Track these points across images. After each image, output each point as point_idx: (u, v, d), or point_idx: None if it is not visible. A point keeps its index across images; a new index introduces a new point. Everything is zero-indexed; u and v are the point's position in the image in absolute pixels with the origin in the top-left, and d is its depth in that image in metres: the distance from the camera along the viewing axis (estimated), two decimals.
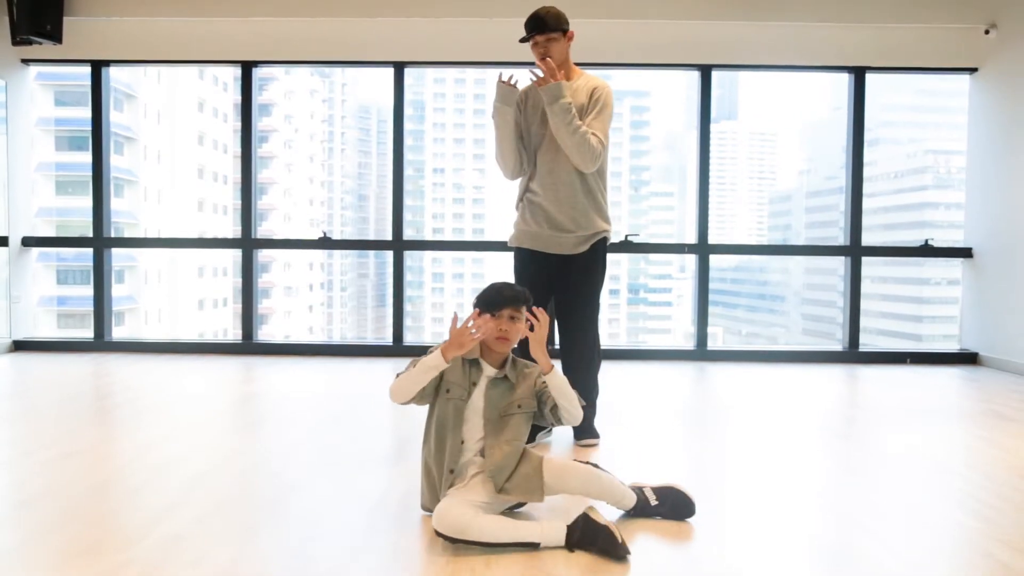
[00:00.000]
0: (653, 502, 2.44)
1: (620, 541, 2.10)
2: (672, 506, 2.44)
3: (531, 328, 2.38)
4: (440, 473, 2.34)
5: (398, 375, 2.36)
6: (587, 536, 2.13)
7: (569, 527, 2.17)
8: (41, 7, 5.62)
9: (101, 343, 6.12)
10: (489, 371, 2.40)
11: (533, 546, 2.14)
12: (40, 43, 5.72)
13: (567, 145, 3.21)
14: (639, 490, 2.47)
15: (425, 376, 2.31)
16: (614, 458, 3.18)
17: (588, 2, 5.68)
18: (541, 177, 3.35)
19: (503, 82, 3.31)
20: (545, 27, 3.25)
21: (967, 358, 5.97)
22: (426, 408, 2.46)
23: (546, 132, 3.33)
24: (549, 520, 2.22)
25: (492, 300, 2.38)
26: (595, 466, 2.40)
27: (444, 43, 5.93)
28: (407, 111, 6.16)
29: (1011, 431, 3.72)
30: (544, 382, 2.39)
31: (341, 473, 2.88)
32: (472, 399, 2.37)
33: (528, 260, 3.41)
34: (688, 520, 2.44)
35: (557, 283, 3.37)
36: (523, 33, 3.33)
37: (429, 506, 2.38)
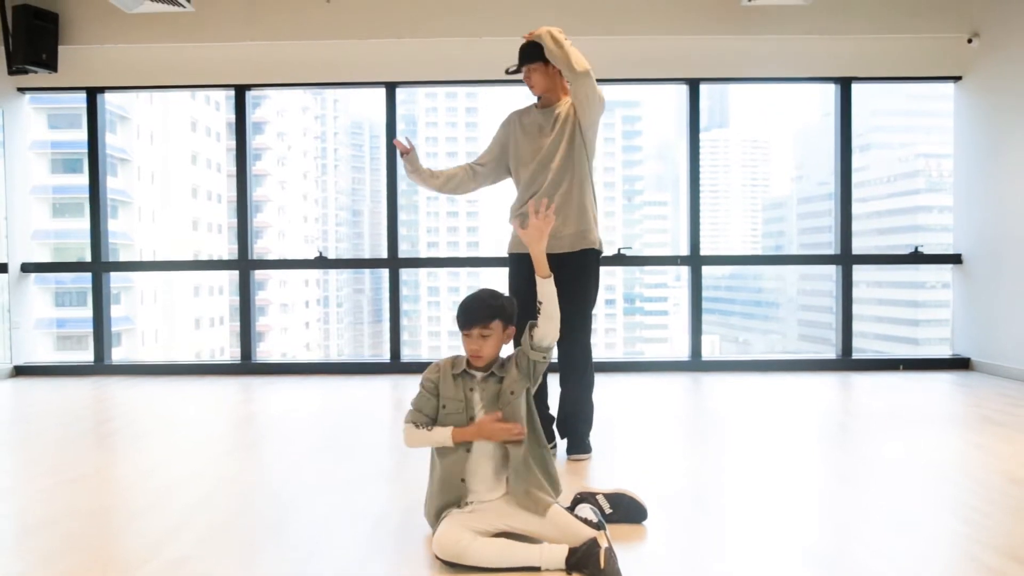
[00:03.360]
0: (607, 510, 2.53)
1: (602, 567, 2.10)
2: (625, 512, 2.56)
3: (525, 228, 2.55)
4: (438, 486, 2.43)
5: (411, 423, 2.46)
6: (583, 559, 2.15)
7: (572, 549, 2.18)
8: (37, 37, 5.69)
9: (101, 366, 6.16)
10: (478, 375, 2.49)
11: (534, 570, 2.18)
12: (36, 72, 5.80)
13: (560, 57, 3.31)
14: (592, 496, 2.57)
15: (435, 443, 2.45)
16: (611, 471, 3.23)
17: (579, 20, 5.76)
18: (546, 190, 3.39)
19: (401, 149, 3.48)
20: (526, 58, 3.44)
21: (959, 363, 6.03)
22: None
23: (544, 146, 3.42)
24: (549, 544, 2.24)
25: (460, 321, 2.46)
26: (598, 521, 2.36)
27: (435, 63, 6.01)
28: (399, 126, 6.22)
29: (1001, 436, 3.78)
30: (519, 353, 2.49)
31: (341, 491, 2.92)
32: (473, 409, 2.45)
33: (521, 263, 3.46)
34: (643, 523, 2.55)
35: None
36: (508, 52, 3.51)
37: (428, 516, 2.46)
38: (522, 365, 2.47)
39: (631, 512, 2.56)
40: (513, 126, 3.57)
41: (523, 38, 3.45)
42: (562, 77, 3.48)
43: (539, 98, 3.57)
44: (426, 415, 2.47)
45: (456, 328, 2.52)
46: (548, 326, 2.44)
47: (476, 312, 2.44)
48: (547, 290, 2.45)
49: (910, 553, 2.29)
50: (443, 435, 2.42)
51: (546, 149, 3.42)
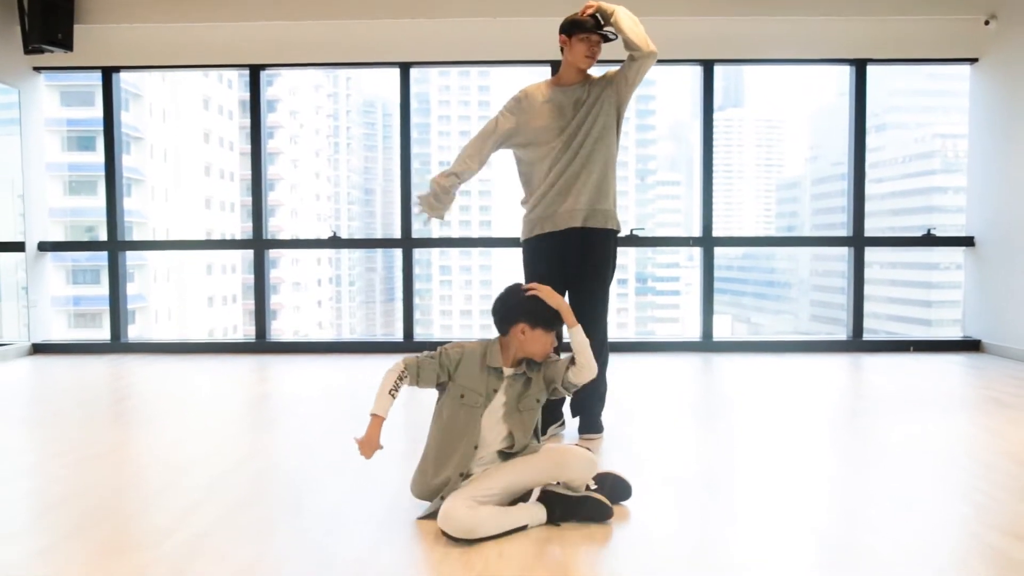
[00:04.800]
0: (592, 487, 2.51)
1: (602, 502, 2.38)
2: (610, 490, 2.54)
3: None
4: (437, 472, 2.44)
5: (399, 372, 2.46)
6: (569, 510, 2.35)
7: (543, 504, 2.37)
8: (52, 16, 5.72)
9: (117, 344, 6.23)
10: (508, 371, 2.50)
11: (523, 528, 2.31)
12: (52, 51, 5.83)
13: (638, 34, 3.31)
14: None
15: (377, 399, 2.45)
16: (622, 452, 3.27)
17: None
18: (573, 172, 3.37)
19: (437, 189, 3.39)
20: (600, 29, 3.36)
21: (970, 345, 6.03)
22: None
23: (567, 126, 3.37)
24: (529, 504, 2.39)
25: (549, 318, 2.47)
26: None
27: (449, 43, 6.00)
28: (412, 104, 6.23)
29: (1009, 418, 3.79)
30: (555, 362, 2.54)
31: (355, 471, 2.96)
32: (492, 404, 2.47)
33: (539, 248, 3.47)
34: (624, 504, 2.56)
35: (570, 270, 3.42)
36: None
37: (418, 494, 2.51)
38: (547, 380, 2.52)
39: (616, 490, 2.55)
40: (529, 103, 3.44)
41: (585, 10, 3.33)
42: None
43: (554, 74, 3.51)
44: (411, 377, 2.46)
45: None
46: (582, 374, 2.48)
47: (556, 311, 2.48)
48: (578, 340, 2.47)
49: (916, 535, 2.32)
50: (379, 405, 2.43)
51: (571, 130, 3.37)
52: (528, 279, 3.40)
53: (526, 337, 2.45)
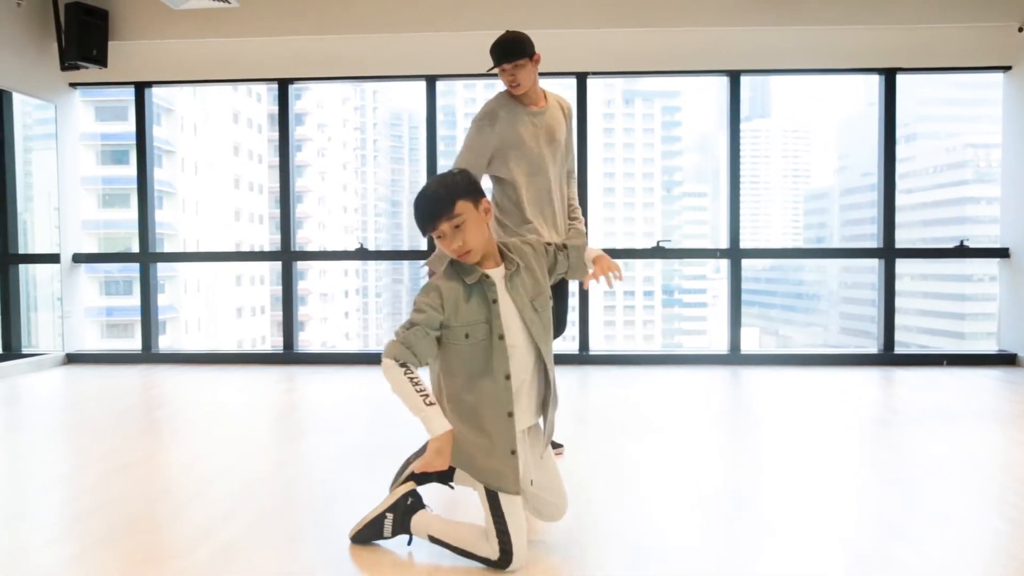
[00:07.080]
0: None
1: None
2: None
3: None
4: (470, 431, 2.11)
5: (394, 359, 2.04)
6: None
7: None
8: (87, 33, 5.85)
9: (149, 355, 6.31)
10: (497, 273, 2.16)
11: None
12: (87, 67, 5.95)
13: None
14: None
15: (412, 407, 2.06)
16: (649, 467, 3.25)
17: (618, 12, 5.75)
18: (540, 203, 3.27)
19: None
20: (511, 55, 3.12)
21: (1006, 359, 5.92)
22: None
23: (540, 148, 3.24)
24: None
25: (420, 225, 2.11)
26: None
27: (474, 55, 6.00)
28: (439, 117, 6.28)
29: None
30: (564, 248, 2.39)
31: (383, 482, 2.96)
32: (505, 321, 2.11)
33: None
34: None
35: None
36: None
37: (486, 481, 2.13)
38: (549, 269, 2.31)
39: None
40: (507, 116, 3.22)
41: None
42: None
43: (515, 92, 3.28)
44: (417, 355, 2.04)
45: None
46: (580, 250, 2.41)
47: (433, 205, 2.07)
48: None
49: (949, 550, 2.28)
50: (434, 419, 2.01)
51: (540, 152, 3.25)
52: None
53: (472, 220, 2.08)
